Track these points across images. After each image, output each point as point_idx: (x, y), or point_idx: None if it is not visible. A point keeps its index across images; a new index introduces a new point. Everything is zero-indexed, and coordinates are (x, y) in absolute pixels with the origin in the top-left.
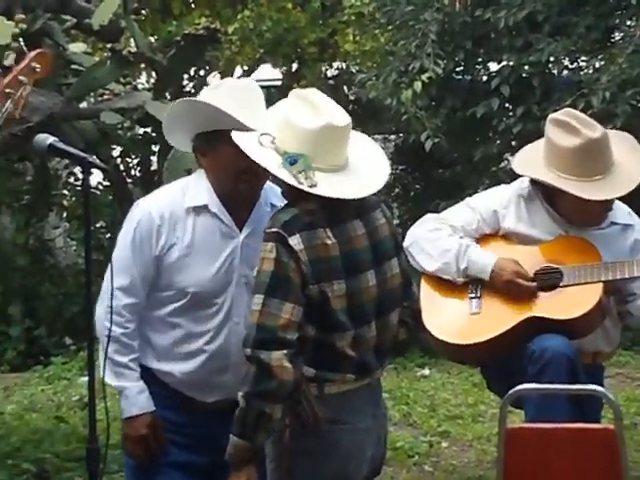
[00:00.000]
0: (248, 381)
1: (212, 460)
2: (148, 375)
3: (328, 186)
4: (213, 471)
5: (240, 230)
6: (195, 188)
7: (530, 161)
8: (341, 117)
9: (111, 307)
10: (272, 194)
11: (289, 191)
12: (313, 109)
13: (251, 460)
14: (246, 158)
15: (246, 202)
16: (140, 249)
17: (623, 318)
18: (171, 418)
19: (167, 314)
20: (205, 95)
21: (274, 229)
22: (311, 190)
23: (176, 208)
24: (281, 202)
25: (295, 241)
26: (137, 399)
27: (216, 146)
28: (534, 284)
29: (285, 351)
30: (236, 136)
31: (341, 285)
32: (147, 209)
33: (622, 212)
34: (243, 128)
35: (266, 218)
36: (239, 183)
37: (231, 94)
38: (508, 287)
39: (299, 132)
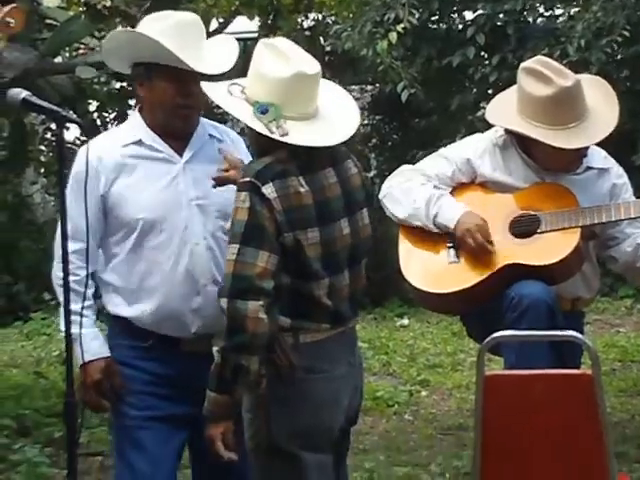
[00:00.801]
0: (222, 335)
1: (195, 411)
2: (122, 326)
3: (299, 135)
4: (197, 422)
5: (180, 156)
6: (128, 125)
7: (503, 110)
8: (311, 65)
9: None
10: (209, 125)
11: (259, 141)
12: (283, 58)
13: (229, 415)
14: (184, 96)
15: (180, 135)
16: (78, 193)
17: (607, 263)
18: (151, 370)
19: (126, 253)
20: (148, 25)
21: (247, 178)
22: (283, 139)
23: (113, 147)
24: (218, 133)
25: (268, 190)
26: (90, 345)
27: (153, 79)
28: (491, 247)
29: (261, 302)
30: (205, 86)
31: (315, 233)
32: (83, 155)
33: (598, 156)
34: (182, 65)
35: (207, 146)
36: (175, 118)
37: (175, 29)
38: (466, 238)
39: (269, 81)
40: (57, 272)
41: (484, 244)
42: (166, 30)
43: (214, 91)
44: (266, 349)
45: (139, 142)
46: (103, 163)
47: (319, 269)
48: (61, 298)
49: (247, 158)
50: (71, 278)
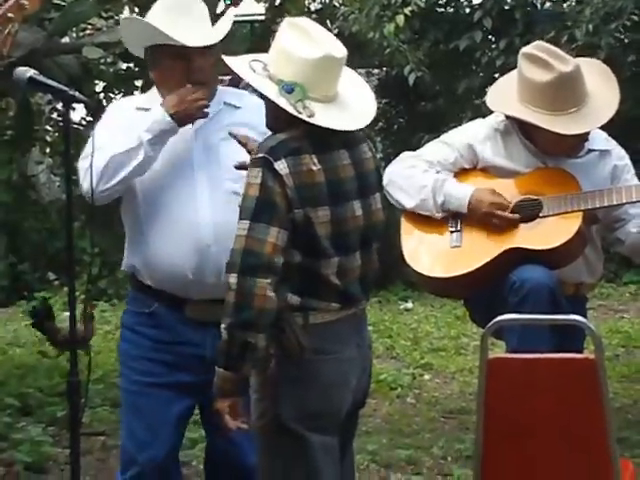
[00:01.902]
0: (228, 312)
1: (204, 379)
2: (132, 285)
3: (325, 117)
4: (206, 390)
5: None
6: (146, 96)
7: (503, 96)
8: (339, 48)
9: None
10: (225, 93)
11: (277, 118)
12: (310, 39)
13: (237, 390)
14: (191, 72)
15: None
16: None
17: (614, 245)
18: (157, 337)
19: (134, 202)
20: (154, 8)
21: (260, 154)
22: (310, 120)
23: (129, 108)
24: (236, 99)
25: (281, 165)
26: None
27: (159, 60)
28: (515, 215)
29: (269, 280)
30: (228, 60)
31: (326, 212)
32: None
33: (599, 138)
34: (173, 42)
35: (220, 114)
36: None
37: (168, 7)
38: (487, 218)
39: (297, 61)
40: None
41: (508, 217)
42: (158, 10)
43: (239, 67)
44: (273, 327)
45: (149, 110)
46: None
47: (328, 247)
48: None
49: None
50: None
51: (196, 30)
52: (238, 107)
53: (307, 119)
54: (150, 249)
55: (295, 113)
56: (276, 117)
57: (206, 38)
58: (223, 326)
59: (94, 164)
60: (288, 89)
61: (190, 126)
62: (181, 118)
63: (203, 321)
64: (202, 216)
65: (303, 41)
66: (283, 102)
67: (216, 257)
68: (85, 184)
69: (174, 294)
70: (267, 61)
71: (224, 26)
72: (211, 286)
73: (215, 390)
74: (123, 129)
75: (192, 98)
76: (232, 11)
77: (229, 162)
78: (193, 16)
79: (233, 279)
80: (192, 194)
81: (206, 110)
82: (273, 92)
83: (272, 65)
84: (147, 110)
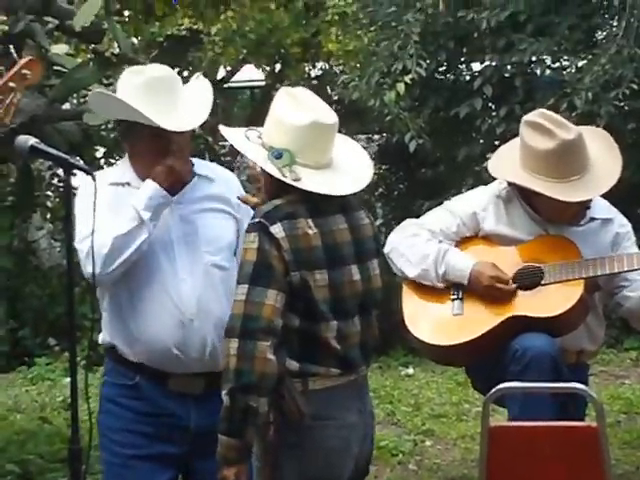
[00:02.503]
0: (229, 378)
1: (187, 450)
2: (112, 359)
3: (311, 181)
4: (189, 461)
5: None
6: (118, 168)
7: (506, 163)
8: (328, 115)
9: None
10: (199, 165)
11: (272, 185)
12: (300, 106)
13: (241, 458)
14: (167, 152)
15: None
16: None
17: (614, 310)
18: (137, 408)
19: (114, 282)
20: (126, 80)
21: (256, 219)
22: (295, 184)
23: (101, 185)
24: (209, 172)
25: (277, 229)
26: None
27: (134, 136)
28: (513, 286)
29: (269, 342)
30: (224, 130)
31: (323, 275)
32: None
33: (601, 207)
34: (152, 124)
35: (195, 186)
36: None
37: (147, 86)
38: (487, 292)
39: (286, 128)
40: (93, 259)
41: (507, 291)
42: (139, 88)
43: (231, 135)
44: (274, 392)
45: (127, 184)
46: (94, 201)
47: (326, 311)
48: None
49: (235, 194)
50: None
51: (177, 109)
52: (212, 179)
53: (292, 183)
54: (133, 325)
55: (280, 176)
56: (270, 183)
57: (186, 122)
58: (224, 392)
59: (95, 247)
60: (277, 155)
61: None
62: (174, 188)
63: (186, 393)
64: (184, 290)
65: (293, 108)
66: (269, 167)
67: (199, 331)
68: (88, 268)
69: (156, 368)
70: (262, 130)
71: (205, 109)
72: (194, 360)
73: (219, 459)
74: (112, 207)
75: (180, 167)
76: (209, 93)
77: (207, 234)
78: (170, 93)
79: (233, 343)
80: (173, 269)
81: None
82: (261, 158)
83: (265, 133)
84: (125, 185)
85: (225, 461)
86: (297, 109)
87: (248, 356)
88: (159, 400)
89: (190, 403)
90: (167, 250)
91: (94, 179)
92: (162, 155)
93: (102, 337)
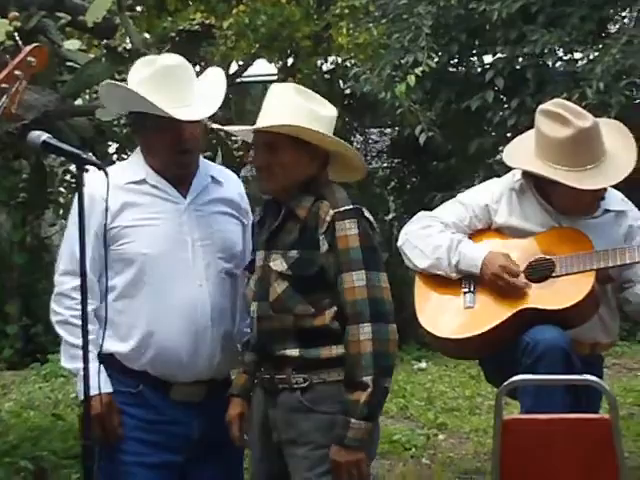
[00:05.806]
0: (367, 363)
1: (187, 458)
2: (114, 367)
3: None
4: (187, 468)
5: (184, 197)
6: (131, 164)
7: (521, 153)
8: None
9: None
10: (210, 166)
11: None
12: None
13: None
14: (179, 143)
15: (181, 178)
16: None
17: (623, 305)
18: (139, 415)
19: (123, 287)
20: (136, 71)
21: (346, 207)
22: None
23: (117, 183)
24: (218, 174)
25: (367, 213)
26: (94, 380)
27: (145, 127)
28: (522, 280)
29: (395, 324)
30: (232, 130)
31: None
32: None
33: (615, 199)
34: (164, 114)
35: (209, 188)
36: (172, 165)
37: (158, 76)
38: (496, 281)
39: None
40: (55, 307)
41: (515, 284)
42: (150, 78)
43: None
44: None
45: (143, 181)
46: (107, 198)
47: None
48: (62, 333)
49: (243, 201)
50: (69, 313)
51: (190, 99)
52: (220, 182)
53: None
54: (143, 334)
55: None
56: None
57: (198, 112)
58: (365, 378)
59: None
60: None
61: (184, 200)
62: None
63: (188, 401)
64: (200, 298)
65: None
66: None
67: (211, 342)
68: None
69: (159, 376)
70: None
71: (216, 101)
72: (200, 368)
73: (352, 444)
74: (143, 216)
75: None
76: (222, 84)
77: (222, 240)
78: (182, 82)
79: (366, 328)
80: (189, 273)
81: (196, 183)
82: None
83: None
84: (142, 182)
85: (360, 445)
86: None
87: (383, 339)
88: (163, 408)
89: (192, 411)
90: (183, 252)
91: (107, 175)
92: (175, 147)
93: (105, 346)
